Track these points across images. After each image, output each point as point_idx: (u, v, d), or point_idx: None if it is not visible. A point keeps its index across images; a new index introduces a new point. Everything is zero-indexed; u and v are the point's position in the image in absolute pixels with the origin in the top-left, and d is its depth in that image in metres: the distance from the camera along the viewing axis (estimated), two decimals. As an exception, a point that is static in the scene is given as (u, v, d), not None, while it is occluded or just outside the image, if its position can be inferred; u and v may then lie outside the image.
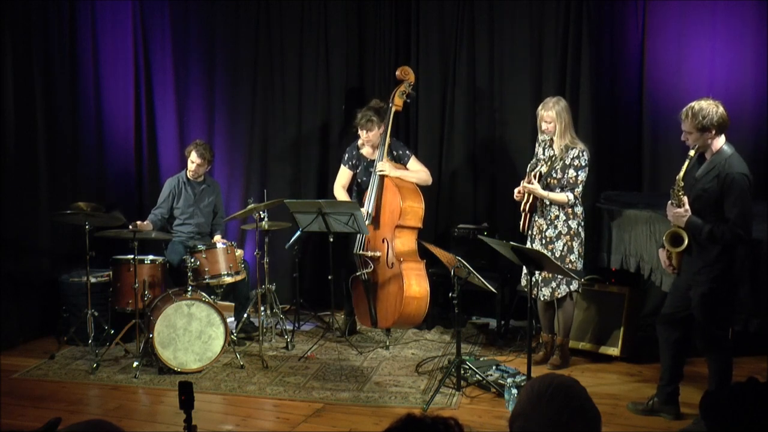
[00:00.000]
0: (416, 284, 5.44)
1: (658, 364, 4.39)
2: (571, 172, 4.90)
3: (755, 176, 5.45)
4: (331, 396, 4.65)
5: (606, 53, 5.96)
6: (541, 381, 1.78)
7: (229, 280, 5.50)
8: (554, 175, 4.94)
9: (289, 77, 6.74)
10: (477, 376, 4.71)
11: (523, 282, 5.12)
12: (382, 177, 5.60)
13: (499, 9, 6.20)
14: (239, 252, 5.71)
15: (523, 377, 4.45)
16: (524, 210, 5.04)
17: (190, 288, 5.18)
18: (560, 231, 4.98)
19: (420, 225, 5.63)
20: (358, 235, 5.62)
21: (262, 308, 5.61)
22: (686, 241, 3.99)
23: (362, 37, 6.64)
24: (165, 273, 5.52)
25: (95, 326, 5.36)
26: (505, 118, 6.25)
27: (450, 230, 6.17)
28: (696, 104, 3.94)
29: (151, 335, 5.00)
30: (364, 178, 5.80)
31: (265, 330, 5.69)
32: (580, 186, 4.92)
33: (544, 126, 4.96)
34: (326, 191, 6.56)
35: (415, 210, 5.58)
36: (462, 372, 4.72)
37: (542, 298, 5.07)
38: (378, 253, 5.56)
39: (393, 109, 5.71)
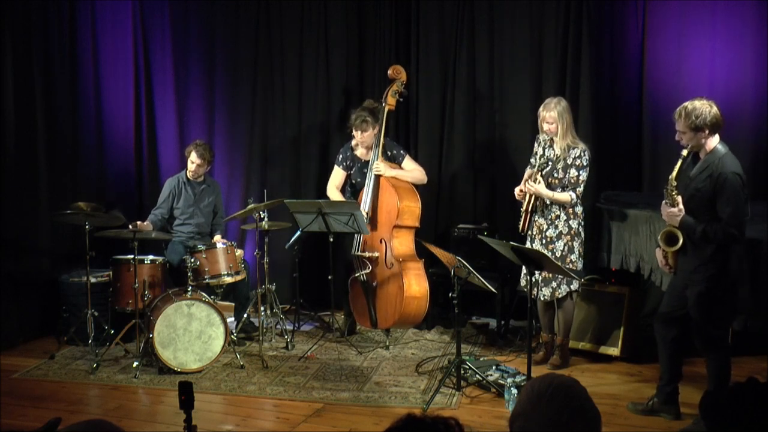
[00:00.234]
0: (416, 284, 5.45)
1: (658, 364, 4.39)
2: (573, 172, 4.90)
3: (755, 176, 5.51)
4: (331, 396, 4.65)
5: (606, 53, 5.96)
6: (541, 381, 1.78)
7: (229, 280, 5.50)
8: (556, 175, 4.94)
9: (289, 77, 6.74)
10: (477, 376, 4.71)
11: (523, 282, 5.12)
12: (378, 177, 5.60)
13: (499, 9, 6.20)
14: (239, 252, 5.71)
15: (523, 377, 4.45)
16: (527, 210, 5.04)
17: (190, 288, 5.18)
18: (561, 231, 4.98)
19: (417, 224, 5.63)
20: (356, 236, 5.62)
21: (262, 308, 5.61)
22: (681, 241, 4.01)
23: (362, 37, 6.64)
24: (165, 273, 5.52)
25: (95, 326, 5.36)
26: (505, 119, 6.25)
27: (450, 230, 6.17)
28: (689, 104, 3.95)
29: (151, 335, 5.00)
30: (359, 179, 5.80)
31: (265, 330, 5.69)
32: (581, 186, 4.93)
33: (545, 127, 4.96)
34: (326, 191, 6.55)
35: (413, 209, 5.58)
36: (462, 372, 4.72)
37: (542, 298, 5.07)
38: (376, 254, 5.56)
39: (386, 109, 5.71)
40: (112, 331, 5.48)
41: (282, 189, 6.60)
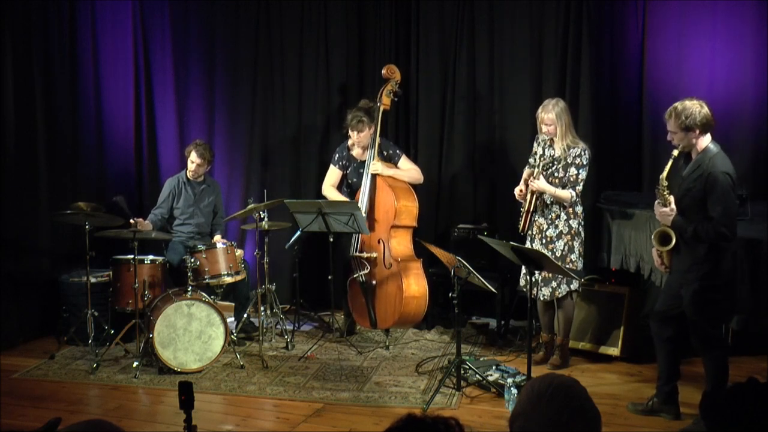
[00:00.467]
0: (415, 283, 5.45)
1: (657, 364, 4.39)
2: (573, 171, 4.90)
3: (755, 176, 5.52)
4: (331, 396, 4.65)
5: (606, 53, 5.96)
6: (541, 381, 1.78)
7: (229, 280, 5.50)
8: (556, 174, 4.94)
9: (289, 77, 6.74)
10: (477, 376, 4.71)
11: (523, 282, 5.12)
12: (374, 177, 5.60)
13: (499, 9, 6.20)
14: (239, 252, 5.71)
15: (523, 377, 4.45)
16: (527, 210, 5.04)
17: (190, 288, 5.18)
18: (561, 231, 4.98)
19: (415, 224, 5.63)
20: (353, 237, 5.62)
21: (262, 308, 5.61)
22: (674, 240, 4.03)
23: (362, 37, 6.63)
24: (165, 273, 5.52)
25: (95, 326, 5.36)
26: (505, 119, 6.25)
27: (450, 230, 6.17)
28: (679, 104, 3.99)
29: (151, 335, 5.00)
30: (355, 179, 5.80)
31: (265, 330, 5.69)
32: (581, 184, 4.93)
33: (544, 128, 4.97)
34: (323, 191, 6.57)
35: (410, 209, 5.59)
36: (462, 372, 4.72)
37: (542, 298, 5.07)
38: (374, 254, 5.56)
39: (381, 109, 5.72)
40: (112, 331, 5.48)
41: (282, 189, 6.60)
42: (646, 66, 5.83)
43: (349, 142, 5.80)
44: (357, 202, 5.53)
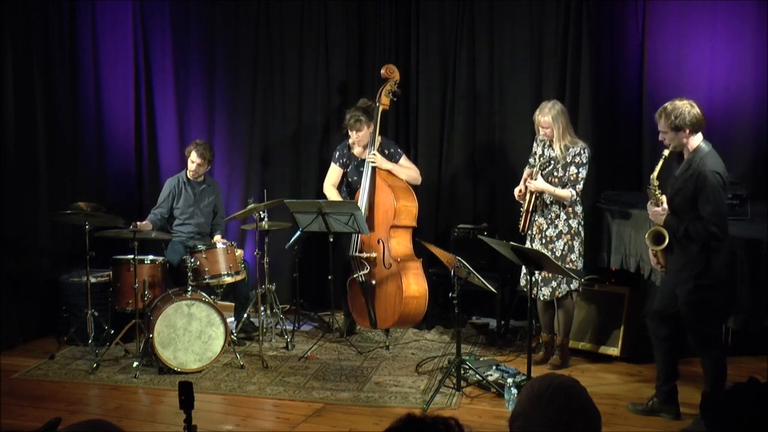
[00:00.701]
0: (415, 283, 5.45)
1: (657, 363, 4.40)
2: (573, 169, 4.91)
3: (755, 176, 5.52)
4: (331, 396, 4.65)
5: (606, 53, 5.96)
6: (541, 381, 1.78)
7: (229, 280, 5.50)
8: (556, 174, 4.94)
9: (289, 77, 6.74)
10: (477, 376, 4.71)
11: (523, 282, 5.13)
12: (374, 176, 5.60)
13: (499, 9, 6.20)
14: (239, 252, 5.71)
15: (523, 377, 4.45)
16: (527, 210, 5.04)
17: (190, 288, 5.18)
18: (561, 230, 4.98)
19: (414, 224, 5.63)
20: (353, 237, 5.62)
21: (262, 308, 5.61)
22: (667, 240, 4.04)
23: (362, 37, 6.63)
24: (165, 273, 5.52)
25: (95, 326, 5.36)
26: (505, 119, 6.25)
27: (450, 230, 6.17)
28: (669, 104, 4.03)
29: (151, 335, 5.00)
30: (355, 178, 5.80)
31: (265, 330, 5.69)
32: (581, 183, 4.93)
33: (541, 131, 4.99)
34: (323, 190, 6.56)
35: (409, 209, 5.59)
36: (462, 372, 4.72)
37: (542, 298, 5.07)
38: (374, 254, 5.56)
39: (380, 108, 5.72)
40: (112, 331, 5.48)
41: (282, 189, 6.60)
42: (646, 66, 5.83)
43: (350, 141, 5.80)
44: (357, 202, 5.53)
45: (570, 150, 4.92)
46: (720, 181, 3.90)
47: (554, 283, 5.00)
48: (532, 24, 6.10)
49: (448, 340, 5.75)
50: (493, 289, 4.68)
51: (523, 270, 5.04)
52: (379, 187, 5.60)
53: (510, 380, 4.50)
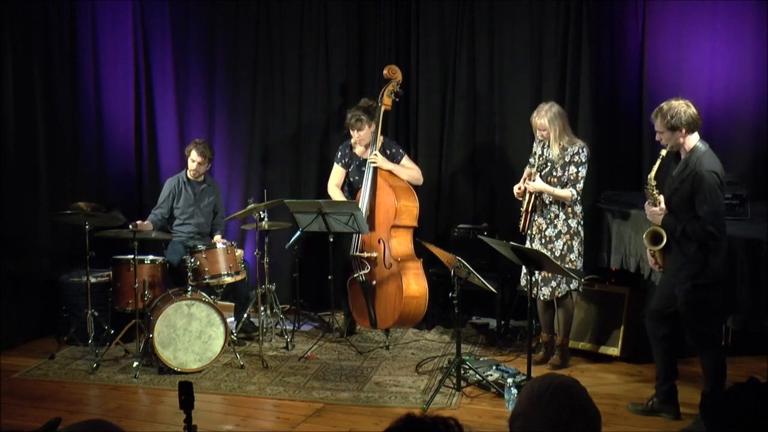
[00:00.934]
0: (415, 283, 5.45)
1: (656, 363, 4.40)
2: (572, 169, 4.91)
3: (755, 176, 5.52)
4: (331, 396, 4.65)
5: (606, 53, 5.96)
6: (541, 381, 1.78)
7: (229, 280, 5.50)
8: (555, 174, 4.95)
9: (289, 77, 6.74)
10: (477, 376, 4.71)
11: (523, 282, 5.13)
12: (375, 176, 5.60)
13: (499, 9, 6.20)
14: (239, 252, 5.71)
15: (523, 377, 4.45)
16: (526, 210, 5.05)
17: (190, 288, 5.18)
18: (560, 230, 4.98)
19: (415, 224, 5.63)
20: (354, 237, 5.62)
21: (262, 308, 5.61)
22: (665, 239, 4.05)
23: (362, 37, 6.63)
24: (165, 273, 5.52)
25: (95, 326, 5.36)
26: (505, 119, 6.25)
27: (450, 230, 6.17)
28: (665, 104, 4.04)
29: (151, 335, 5.00)
30: (356, 177, 5.80)
31: (265, 330, 5.69)
32: (581, 182, 4.93)
33: (538, 134, 4.99)
34: (326, 191, 6.55)
35: (410, 209, 5.59)
36: (462, 372, 4.72)
37: (542, 298, 5.07)
38: (374, 254, 5.56)
39: (382, 109, 5.72)
40: (112, 331, 5.48)
41: (282, 189, 6.60)
42: (646, 66, 5.83)
43: (352, 141, 5.80)
44: (357, 202, 5.53)
45: (568, 150, 4.92)
46: (717, 181, 3.90)
47: (554, 283, 5.00)
48: (532, 24, 6.10)
49: (448, 340, 5.75)
50: (493, 289, 4.68)
51: (523, 270, 5.04)
52: (380, 187, 5.60)
53: (510, 380, 4.50)
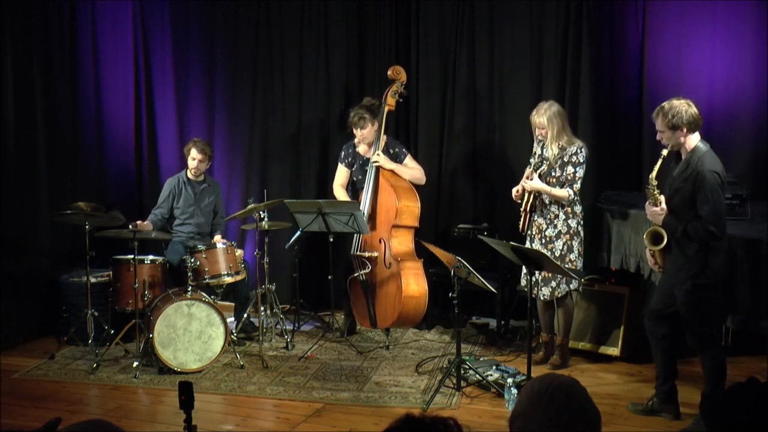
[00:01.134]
0: (414, 283, 5.44)
1: (656, 363, 4.40)
2: (570, 169, 4.91)
3: (755, 176, 5.52)
4: (331, 396, 4.65)
5: (606, 53, 5.96)
6: (541, 381, 1.78)
7: (229, 280, 5.50)
8: (553, 174, 4.95)
9: (289, 77, 6.74)
10: (477, 376, 4.71)
11: (523, 282, 5.12)
12: (377, 174, 5.61)
13: (499, 9, 6.20)
14: (239, 252, 5.71)
15: (523, 377, 4.45)
16: (525, 210, 5.05)
17: (190, 288, 5.18)
18: (560, 230, 4.98)
19: (416, 224, 5.63)
20: (355, 236, 5.62)
21: (262, 308, 5.61)
22: (665, 239, 4.05)
23: (362, 37, 6.63)
24: (165, 273, 5.52)
25: (95, 326, 5.36)
26: (505, 119, 6.25)
27: (450, 230, 6.17)
28: (667, 103, 4.04)
29: (151, 335, 5.00)
30: (360, 177, 5.80)
31: (265, 330, 5.68)
32: (579, 182, 4.93)
33: (537, 132, 4.99)
34: (326, 191, 6.55)
35: (411, 209, 5.59)
36: (462, 372, 4.72)
37: (542, 298, 5.07)
38: (375, 254, 5.56)
39: (386, 109, 5.72)
40: (112, 331, 5.48)
41: (282, 189, 6.60)
42: (646, 66, 5.83)
43: (356, 140, 5.81)
44: (357, 202, 5.53)
45: (567, 150, 4.92)
46: (718, 181, 3.90)
47: (554, 283, 5.00)
48: (532, 24, 6.10)
49: (448, 340, 5.75)
50: (493, 289, 4.68)
51: (523, 270, 5.04)
52: (382, 186, 5.60)
53: (510, 380, 4.50)
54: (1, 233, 5.65)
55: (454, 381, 4.70)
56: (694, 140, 4.01)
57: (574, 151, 4.91)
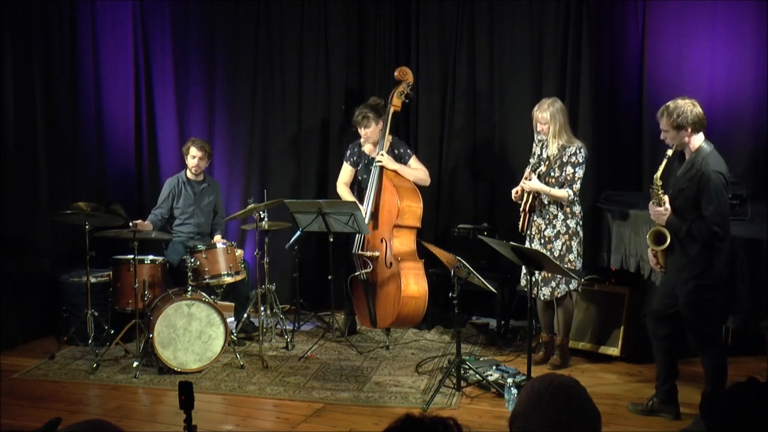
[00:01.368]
0: (414, 284, 5.44)
1: (657, 363, 4.40)
2: (569, 169, 4.91)
3: (755, 176, 5.52)
4: (331, 396, 4.65)
5: (606, 53, 5.96)
6: (541, 381, 1.78)
7: (229, 280, 5.50)
8: (552, 174, 4.95)
9: (289, 77, 6.74)
10: (477, 376, 4.71)
11: (523, 282, 5.12)
12: (381, 174, 5.61)
13: (499, 9, 6.20)
14: (239, 252, 5.71)
15: (523, 377, 4.45)
16: (524, 210, 5.05)
17: (190, 288, 5.18)
18: (559, 230, 4.98)
19: (418, 225, 5.63)
20: (357, 235, 5.63)
21: (262, 308, 5.61)
22: (668, 240, 4.04)
23: (362, 37, 6.64)
24: (165, 273, 5.52)
25: (95, 326, 5.36)
26: (505, 118, 6.25)
27: (450, 230, 6.17)
28: (672, 103, 4.03)
29: (151, 335, 5.00)
30: (365, 176, 5.80)
31: (265, 330, 5.68)
32: (578, 183, 4.93)
33: (539, 127, 4.99)
34: (326, 191, 6.56)
35: (413, 210, 5.58)
36: (462, 372, 4.72)
37: (542, 298, 5.07)
38: (377, 253, 5.57)
39: (392, 110, 5.73)
40: (112, 331, 5.48)
41: (282, 189, 6.60)
42: (646, 66, 5.83)
43: (361, 139, 5.81)
44: (357, 202, 5.53)
45: (566, 150, 4.92)
46: (723, 181, 3.90)
47: (553, 283, 5.00)
48: (532, 24, 6.10)
49: (448, 340, 5.75)
50: (493, 289, 4.68)
51: (523, 270, 5.04)
52: (385, 186, 5.61)
53: (510, 380, 4.50)
54: (1, 233, 5.66)
55: (454, 381, 4.70)
56: (698, 140, 4.00)
57: (573, 152, 4.91)
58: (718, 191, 3.88)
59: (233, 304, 5.95)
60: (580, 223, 5.04)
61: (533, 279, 4.88)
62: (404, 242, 5.58)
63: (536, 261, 4.34)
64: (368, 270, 5.60)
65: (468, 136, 6.36)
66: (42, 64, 5.95)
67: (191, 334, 5.06)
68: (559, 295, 5.02)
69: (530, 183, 4.94)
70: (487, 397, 4.61)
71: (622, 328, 5.19)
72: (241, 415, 4.43)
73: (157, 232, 5.65)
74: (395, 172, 5.64)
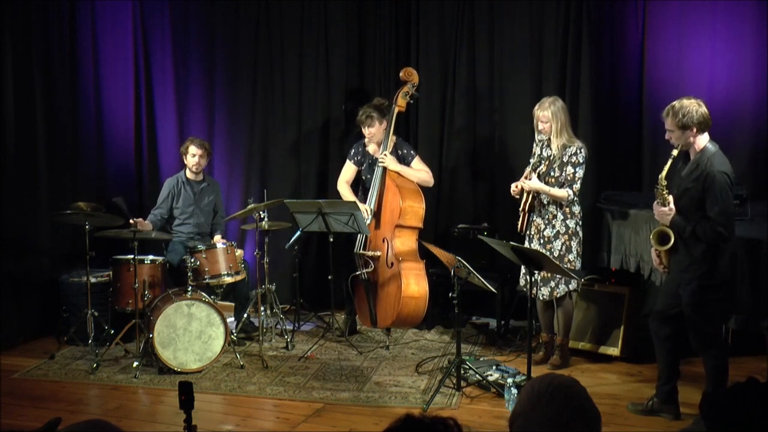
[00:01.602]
0: (415, 284, 5.44)
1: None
2: (569, 169, 4.91)
3: (755, 176, 5.52)
4: (331, 396, 4.65)
5: (606, 53, 5.96)
6: (541, 381, 1.78)
7: (229, 280, 5.50)
8: (552, 174, 4.95)
9: (289, 77, 6.74)
10: (477, 376, 4.71)
11: (523, 282, 5.12)
12: (384, 175, 5.61)
13: (499, 9, 6.20)
14: (239, 252, 5.71)
15: (523, 377, 4.45)
16: (523, 210, 5.05)
17: (190, 288, 5.18)
18: (558, 230, 4.98)
19: (420, 225, 5.63)
20: (359, 235, 5.63)
21: (262, 308, 5.61)
22: (672, 240, 4.04)
23: (362, 37, 6.64)
24: (165, 273, 5.52)
25: (95, 326, 5.36)
26: (505, 118, 6.26)
27: (450, 230, 6.17)
28: (677, 102, 4.02)
29: (151, 335, 5.00)
30: (368, 176, 5.80)
31: (265, 330, 5.68)
32: (578, 183, 4.93)
33: (540, 126, 4.98)
34: (326, 191, 6.56)
35: (415, 210, 5.59)
36: (462, 372, 4.72)
37: (541, 298, 5.07)
38: (378, 253, 5.57)
39: (396, 110, 5.73)
40: (112, 331, 5.48)
41: (282, 189, 6.60)
42: (646, 66, 5.84)
43: (365, 139, 5.81)
44: (356, 202, 5.53)
45: (566, 150, 4.92)
46: (728, 182, 3.89)
47: (553, 284, 5.00)
48: (532, 24, 6.10)
49: (448, 340, 5.75)
50: (493, 289, 4.68)
51: (523, 270, 5.03)
52: (388, 187, 5.62)
53: (510, 380, 4.50)
54: (1, 233, 5.65)
55: (454, 381, 4.70)
56: (703, 140, 3.99)
57: (573, 152, 4.91)
58: (724, 192, 3.86)
59: (233, 304, 5.95)
60: (580, 223, 5.04)
61: (533, 279, 4.88)
62: (405, 242, 5.58)
63: (536, 261, 4.34)
64: (369, 269, 5.60)
65: (468, 135, 6.36)
66: (42, 64, 5.95)
67: (191, 334, 5.06)
68: (558, 296, 5.02)
69: (530, 182, 4.94)
70: (487, 397, 4.61)
71: (622, 328, 5.19)
72: (241, 415, 4.43)
73: (157, 232, 5.65)
74: (398, 172, 5.64)
